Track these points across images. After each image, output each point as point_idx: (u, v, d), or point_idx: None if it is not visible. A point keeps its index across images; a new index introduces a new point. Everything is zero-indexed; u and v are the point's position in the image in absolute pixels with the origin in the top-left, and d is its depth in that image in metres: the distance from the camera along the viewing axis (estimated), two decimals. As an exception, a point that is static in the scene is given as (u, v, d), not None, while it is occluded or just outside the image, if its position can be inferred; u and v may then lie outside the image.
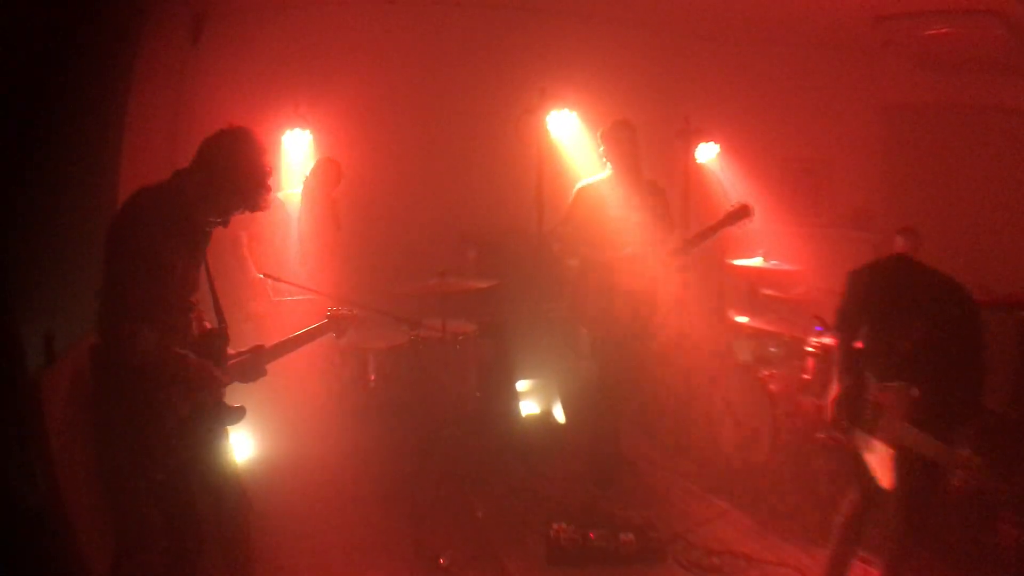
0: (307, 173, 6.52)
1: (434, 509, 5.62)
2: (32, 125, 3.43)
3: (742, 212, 5.57)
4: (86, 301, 3.47)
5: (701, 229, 5.74)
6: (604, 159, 5.81)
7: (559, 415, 7.34)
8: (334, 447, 6.09)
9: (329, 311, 4.24)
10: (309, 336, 4.07)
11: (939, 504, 4.48)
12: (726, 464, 6.45)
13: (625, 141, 5.70)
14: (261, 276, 5.41)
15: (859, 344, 4.32)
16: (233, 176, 3.44)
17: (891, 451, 3.98)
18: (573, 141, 7.44)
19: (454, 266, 6.78)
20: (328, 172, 6.50)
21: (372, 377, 6.61)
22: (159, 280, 3.34)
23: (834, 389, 4.35)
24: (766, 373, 6.33)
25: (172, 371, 3.39)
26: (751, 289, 7.49)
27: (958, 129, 6.44)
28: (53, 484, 3.39)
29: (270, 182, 3.56)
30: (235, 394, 3.77)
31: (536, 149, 7.35)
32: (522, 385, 7.33)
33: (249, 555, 3.93)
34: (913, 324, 3.94)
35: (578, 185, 5.96)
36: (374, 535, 5.26)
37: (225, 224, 3.60)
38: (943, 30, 5.97)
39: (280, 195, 6.46)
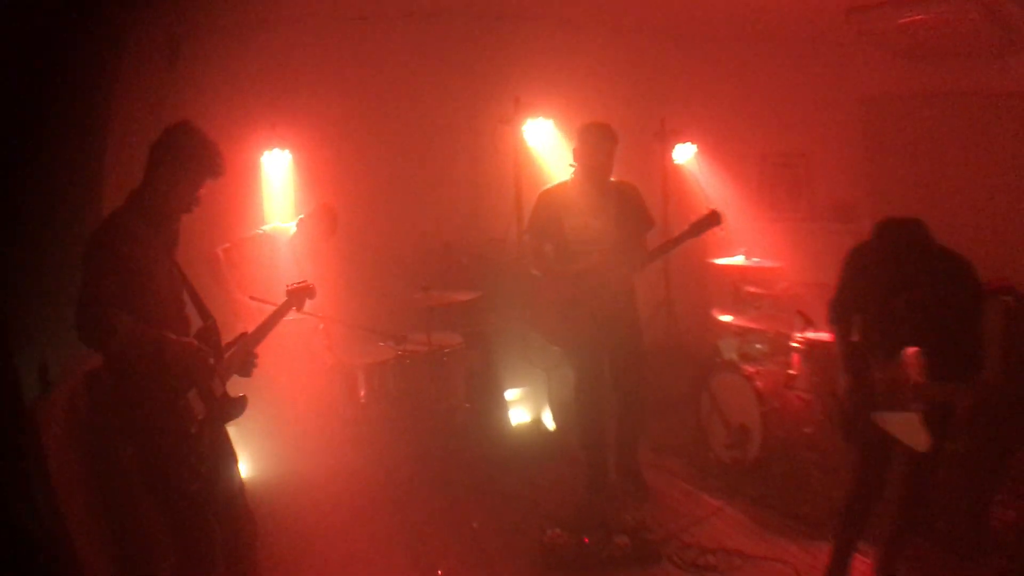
0: (303, 216, 6.46)
1: (430, 521, 5.63)
2: (16, 154, 3.47)
3: (710, 220, 5.48)
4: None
5: (664, 241, 5.67)
6: (573, 160, 5.75)
7: (549, 422, 7.37)
8: (328, 464, 6.08)
9: (288, 286, 4.47)
10: (279, 315, 4.29)
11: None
12: (717, 462, 6.49)
13: (591, 143, 5.58)
14: (248, 299, 5.44)
15: (856, 338, 4.35)
16: (192, 153, 3.66)
17: (916, 415, 3.97)
18: (549, 149, 7.48)
19: (438, 278, 6.80)
20: (326, 220, 6.40)
21: (362, 393, 6.60)
22: (136, 271, 3.49)
23: (843, 383, 4.33)
24: (752, 370, 6.37)
25: (152, 352, 3.48)
26: (734, 287, 7.54)
27: (937, 117, 6.45)
28: (54, 513, 3.40)
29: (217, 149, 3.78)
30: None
31: (513, 158, 7.39)
32: (511, 394, 7.36)
33: (255, 568, 4.00)
34: (912, 286, 3.97)
35: (541, 190, 5.92)
36: (372, 549, 5.26)
37: (196, 204, 3.77)
38: (917, 17, 5.97)
39: (268, 227, 6.44)
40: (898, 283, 3.97)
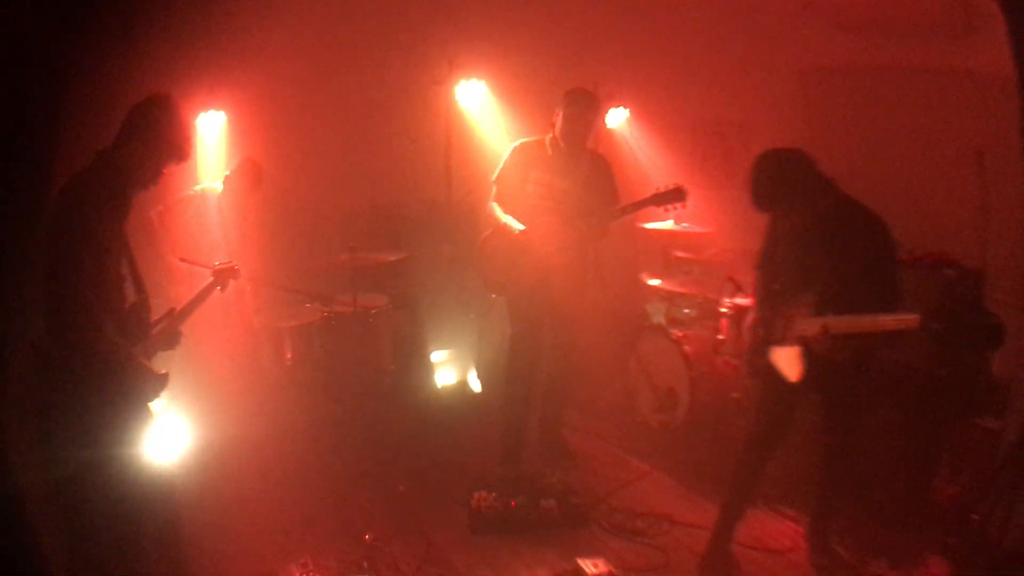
0: (228, 172, 6.30)
1: (357, 486, 5.57)
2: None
3: (675, 195, 5.46)
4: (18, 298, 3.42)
5: (624, 204, 5.65)
6: (553, 122, 5.63)
7: (475, 384, 7.32)
8: (255, 429, 5.94)
9: (215, 264, 4.54)
10: (205, 293, 4.34)
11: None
12: (645, 426, 6.52)
13: (572, 109, 5.48)
14: (179, 261, 5.37)
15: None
16: (167, 135, 3.62)
17: (796, 348, 4.12)
18: (481, 111, 7.38)
19: (365, 239, 6.68)
20: (249, 175, 6.31)
21: (288, 356, 6.48)
22: (103, 266, 3.46)
23: (748, 318, 4.54)
24: (680, 335, 6.38)
25: (125, 372, 3.51)
26: (664, 252, 7.53)
27: (880, 92, 6.47)
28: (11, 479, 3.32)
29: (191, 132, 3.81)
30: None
31: (444, 120, 7.27)
32: (437, 356, 7.28)
33: (181, 540, 3.96)
34: (791, 215, 4.15)
35: (514, 143, 5.81)
36: (300, 515, 5.18)
37: (156, 184, 3.74)
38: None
39: (199, 188, 6.27)
40: (779, 212, 4.20)
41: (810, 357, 4.07)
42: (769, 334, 4.34)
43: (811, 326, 4.00)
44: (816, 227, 4.07)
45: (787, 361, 4.19)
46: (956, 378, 4.93)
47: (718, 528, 4.55)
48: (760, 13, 7.12)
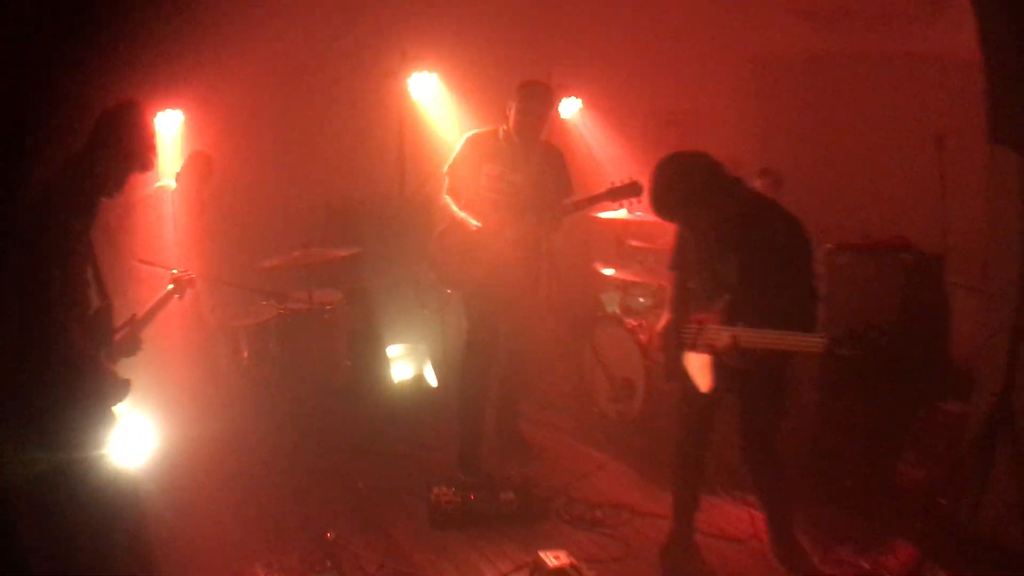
0: (179, 168, 6.33)
1: (317, 483, 5.54)
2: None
3: (630, 190, 5.46)
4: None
5: (578, 199, 5.62)
6: (507, 114, 5.58)
7: (431, 378, 7.29)
8: (214, 429, 5.93)
9: (173, 272, 4.65)
10: (164, 300, 4.44)
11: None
12: (602, 417, 6.54)
13: (526, 101, 5.44)
14: (139, 263, 5.42)
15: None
16: (133, 144, 3.63)
17: (708, 357, 4.08)
18: (434, 103, 7.34)
19: (319, 234, 6.64)
20: (199, 166, 6.36)
21: (245, 355, 6.44)
22: (71, 271, 3.48)
23: (662, 321, 4.48)
24: (635, 324, 6.41)
25: (91, 376, 3.52)
26: (617, 241, 7.54)
27: (834, 78, 6.49)
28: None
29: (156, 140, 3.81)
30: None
31: (397, 112, 7.21)
32: (393, 351, 7.24)
33: (150, 542, 3.98)
34: (700, 218, 4.00)
35: (467, 134, 5.76)
36: (261, 514, 5.16)
37: (120, 192, 3.73)
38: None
39: (156, 186, 6.22)
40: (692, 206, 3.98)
41: (720, 365, 4.04)
42: (681, 339, 4.31)
43: (721, 337, 3.96)
44: (724, 231, 3.98)
45: (698, 369, 4.17)
46: (916, 363, 4.97)
47: (677, 519, 4.56)
48: (715, 1, 7.14)
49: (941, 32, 5.75)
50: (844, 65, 6.46)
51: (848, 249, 5.35)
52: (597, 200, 5.56)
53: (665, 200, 3.92)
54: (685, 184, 3.88)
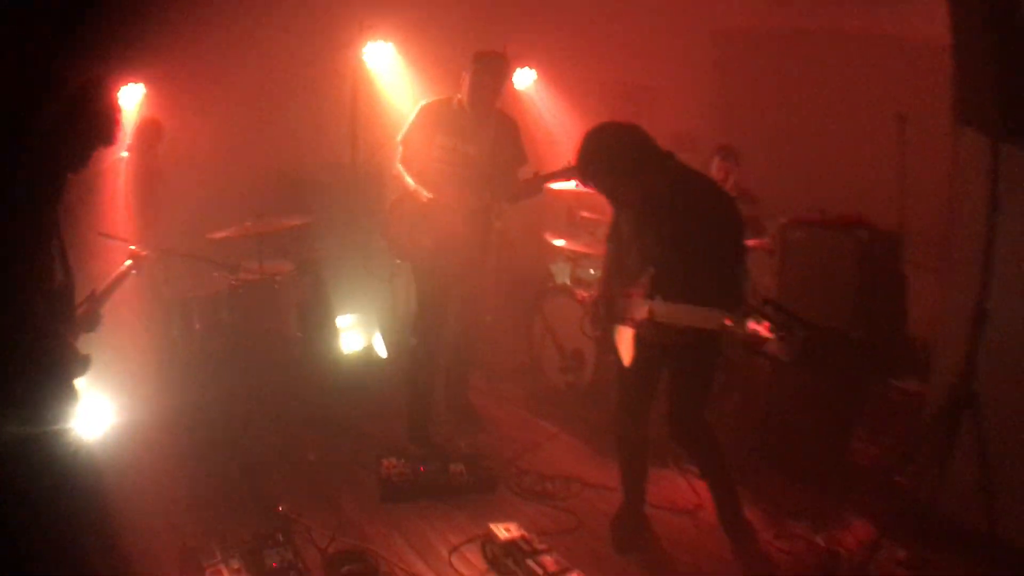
0: (130, 137, 6.27)
1: (267, 456, 5.50)
2: None
3: None
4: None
5: (534, 177, 5.54)
6: (461, 84, 5.53)
7: (380, 349, 7.27)
8: (167, 402, 5.87)
9: (131, 248, 4.58)
10: (122, 276, 4.40)
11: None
12: (552, 388, 6.57)
13: (480, 71, 5.39)
14: (99, 235, 5.29)
15: None
16: (98, 120, 3.54)
17: (631, 330, 4.11)
18: (389, 72, 7.27)
19: (271, 204, 6.55)
20: (149, 132, 6.36)
21: (197, 327, 6.39)
22: (38, 247, 3.41)
23: (593, 292, 4.54)
24: (585, 295, 6.43)
25: (55, 351, 3.46)
26: (568, 212, 7.56)
27: (796, 55, 6.48)
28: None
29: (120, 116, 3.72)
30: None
31: (351, 82, 7.13)
32: (343, 321, 7.21)
33: (114, 518, 3.92)
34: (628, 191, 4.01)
35: (421, 103, 5.69)
36: (211, 488, 5.10)
37: (84, 167, 3.62)
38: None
39: (114, 159, 6.14)
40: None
41: (641, 339, 4.06)
42: (609, 312, 4.35)
43: (640, 310, 3.96)
44: (652, 205, 3.97)
45: (623, 343, 4.19)
46: (871, 340, 5.01)
47: (626, 491, 4.60)
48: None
49: (906, 13, 5.77)
50: (807, 42, 6.45)
51: (803, 224, 5.37)
52: (552, 178, 5.50)
53: (589, 168, 3.98)
54: (611, 154, 3.90)
